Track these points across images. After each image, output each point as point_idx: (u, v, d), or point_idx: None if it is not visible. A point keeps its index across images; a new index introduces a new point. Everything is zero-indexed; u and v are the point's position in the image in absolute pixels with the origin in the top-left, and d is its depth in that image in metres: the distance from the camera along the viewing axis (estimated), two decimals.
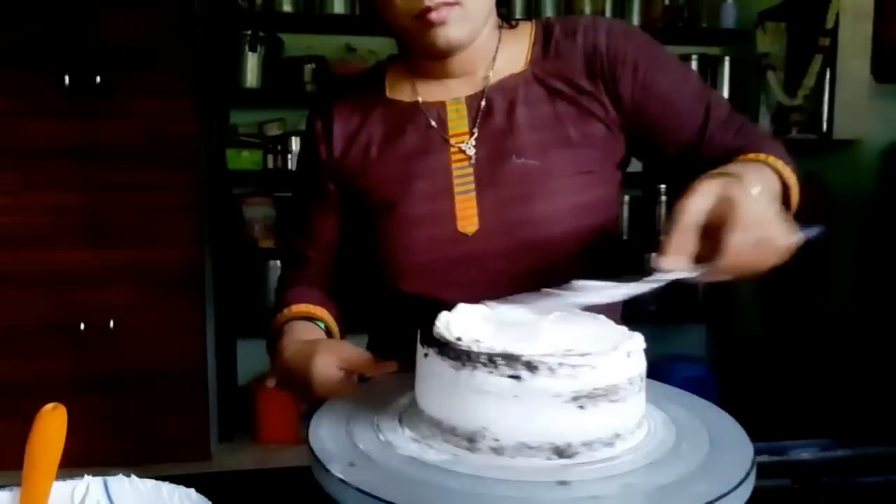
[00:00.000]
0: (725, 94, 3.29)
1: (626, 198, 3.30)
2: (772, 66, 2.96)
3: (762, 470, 0.59)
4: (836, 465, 0.84)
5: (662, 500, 0.53)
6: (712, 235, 0.64)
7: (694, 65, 3.27)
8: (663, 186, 3.30)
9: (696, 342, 3.55)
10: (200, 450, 2.85)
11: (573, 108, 0.92)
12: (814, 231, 0.69)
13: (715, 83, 3.29)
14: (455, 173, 0.92)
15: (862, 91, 2.56)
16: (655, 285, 0.63)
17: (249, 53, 3.02)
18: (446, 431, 0.60)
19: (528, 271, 0.90)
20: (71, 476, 0.61)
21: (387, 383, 0.75)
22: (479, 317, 0.67)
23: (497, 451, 0.57)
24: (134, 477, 0.61)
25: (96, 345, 2.74)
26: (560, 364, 0.56)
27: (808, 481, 0.80)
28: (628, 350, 0.60)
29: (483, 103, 0.93)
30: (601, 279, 0.72)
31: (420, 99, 0.95)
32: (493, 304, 0.69)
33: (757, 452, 0.60)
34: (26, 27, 2.60)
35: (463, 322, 0.65)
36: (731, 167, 0.79)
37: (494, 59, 0.94)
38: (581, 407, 0.57)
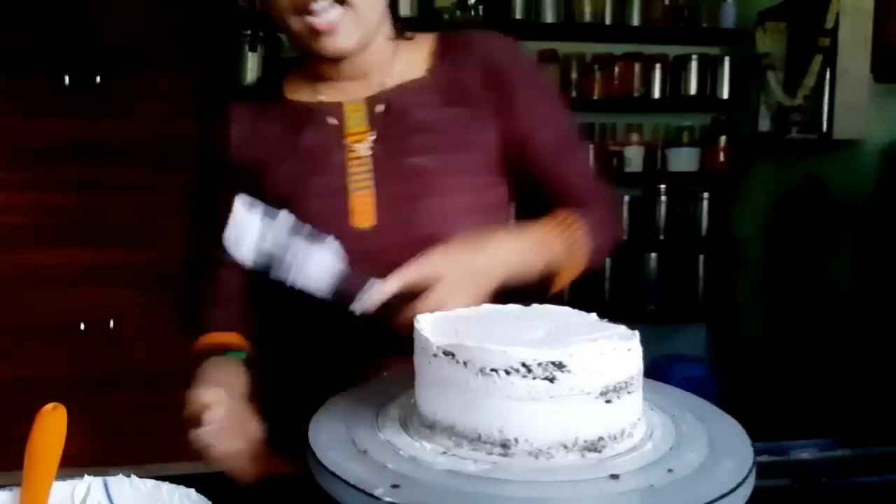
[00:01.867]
0: (725, 94, 3.29)
1: (626, 198, 3.30)
2: (772, 66, 2.96)
3: (762, 470, 0.59)
4: (836, 465, 0.84)
5: (662, 500, 0.53)
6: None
7: (694, 65, 3.27)
8: (663, 186, 3.30)
9: (696, 342, 3.55)
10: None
11: (469, 113, 0.95)
12: None
13: (715, 83, 3.29)
14: (351, 170, 0.93)
15: (862, 91, 2.56)
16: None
17: (249, 53, 3.02)
18: (460, 436, 0.59)
19: None
20: (71, 476, 0.61)
21: (386, 383, 0.75)
22: (462, 319, 0.68)
23: (503, 451, 0.58)
24: (134, 477, 0.61)
25: (96, 345, 2.75)
26: (589, 361, 0.57)
27: (808, 481, 0.80)
28: (634, 341, 0.60)
29: (382, 106, 0.94)
30: None
31: (319, 98, 0.96)
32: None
33: (757, 452, 0.60)
34: (26, 27, 2.60)
35: (453, 325, 0.65)
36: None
37: (391, 65, 0.96)
38: (608, 401, 0.58)
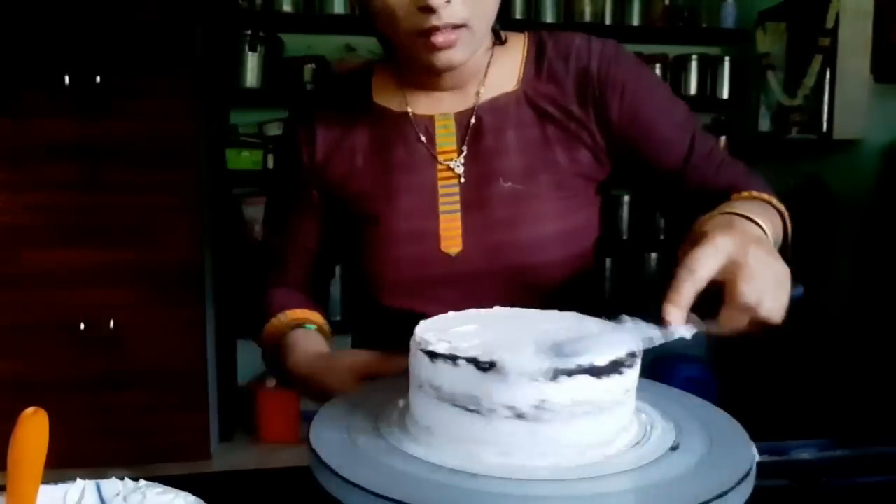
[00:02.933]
0: (725, 94, 3.29)
1: (626, 198, 3.30)
2: (772, 66, 2.96)
3: (762, 470, 0.59)
4: (836, 465, 0.84)
5: (663, 500, 0.53)
6: (710, 287, 0.64)
7: (694, 65, 3.27)
8: None
9: (696, 342, 3.53)
10: (200, 450, 2.85)
11: (562, 132, 0.91)
12: (798, 291, 0.67)
13: (715, 83, 3.29)
14: (441, 192, 0.90)
15: (862, 91, 2.56)
16: (663, 340, 0.63)
17: (249, 53, 3.02)
18: (454, 440, 0.59)
19: (510, 293, 0.88)
20: (64, 478, 0.60)
21: (387, 383, 0.75)
22: (465, 327, 0.68)
23: (503, 452, 0.58)
24: (127, 479, 0.60)
25: (96, 345, 2.74)
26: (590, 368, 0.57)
27: (808, 481, 0.80)
28: (634, 348, 0.60)
29: (473, 121, 0.91)
30: (581, 307, 0.71)
31: (410, 110, 0.93)
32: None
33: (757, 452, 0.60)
34: (27, 27, 2.60)
35: (455, 333, 0.65)
36: (739, 206, 0.77)
37: (486, 74, 0.92)
38: (587, 412, 0.57)
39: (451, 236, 0.90)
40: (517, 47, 0.94)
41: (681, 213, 0.91)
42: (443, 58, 0.83)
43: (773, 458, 0.84)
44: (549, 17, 3.14)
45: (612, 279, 3.32)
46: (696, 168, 0.92)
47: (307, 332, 0.95)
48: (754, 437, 0.62)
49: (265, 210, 1.05)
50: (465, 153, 0.91)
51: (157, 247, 2.77)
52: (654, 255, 3.35)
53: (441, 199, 0.90)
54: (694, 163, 0.92)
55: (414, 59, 0.86)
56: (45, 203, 2.68)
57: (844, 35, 2.56)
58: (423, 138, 0.92)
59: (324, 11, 3.05)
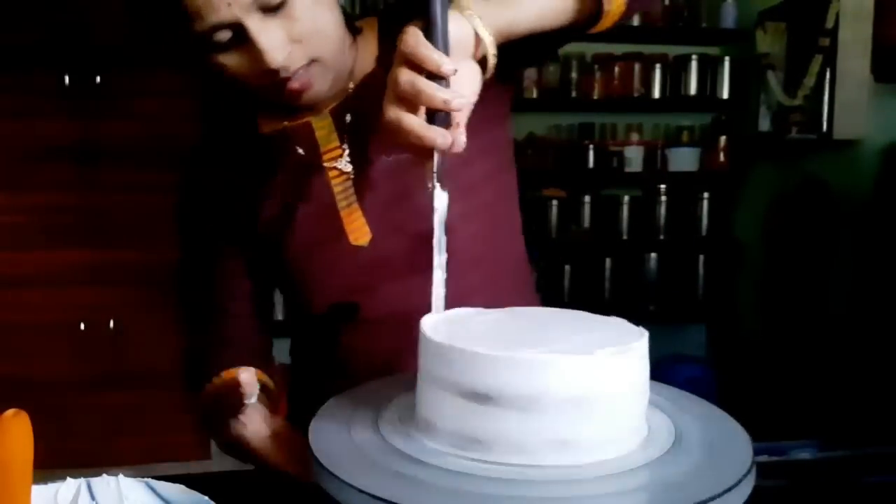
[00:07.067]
0: (725, 94, 3.29)
1: (626, 198, 3.30)
2: (772, 66, 2.96)
3: (762, 470, 0.59)
4: (836, 465, 0.84)
5: (661, 500, 0.53)
6: None
7: (694, 65, 3.28)
8: (663, 186, 3.30)
9: (696, 342, 3.55)
10: (200, 450, 2.85)
11: None
12: None
13: (715, 83, 3.30)
14: (336, 189, 0.90)
15: (862, 91, 2.56)
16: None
17: None
18: (456, 437, 0.59)
19: (423, 264, 0.86)
20: (73, 476, 0.60)
21: (388, 383, 0.75)
22: (477, 322, 0.67)
23: (503, 453, 0.58)
24: (121, 476, 0.60)
25: (96, 345, 2.75)
26: (575, 365, 0.56)
27: (807, 481, 0.80)
28: (638, 350, 0.60)
29: (349, 116, 0.90)
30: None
31: (286, 124, 0.91)
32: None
33: (756, 452, 0.60)
34: (26, 27, 2.60)
35: (463, 328, 0.65)
36: None
37: (352, 71, 0.91)
38: (584, 406, 0.57)
39: (356, 228, 0.89)
40: (372, 31, 0.94)
41: None
42: (305, 98, 0.84)
43: (773, 458, 0.85)
44: None
45: (611, 279, 3.32)
46: None
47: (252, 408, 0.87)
48: (754, 436, 0.62)
49: (186, 275, 1.01)
50: (348, 149, 0.90)
51: (157, 247, 2.76)
52: (653, 255, 3.35)
53: (337, 197, 0.90)
54: None
55: (277, 101, 0.85)
56: (45, 203, 2.69)
57: (844, 35, 2.56)
58: (302, 151, 0.90)
59: None
